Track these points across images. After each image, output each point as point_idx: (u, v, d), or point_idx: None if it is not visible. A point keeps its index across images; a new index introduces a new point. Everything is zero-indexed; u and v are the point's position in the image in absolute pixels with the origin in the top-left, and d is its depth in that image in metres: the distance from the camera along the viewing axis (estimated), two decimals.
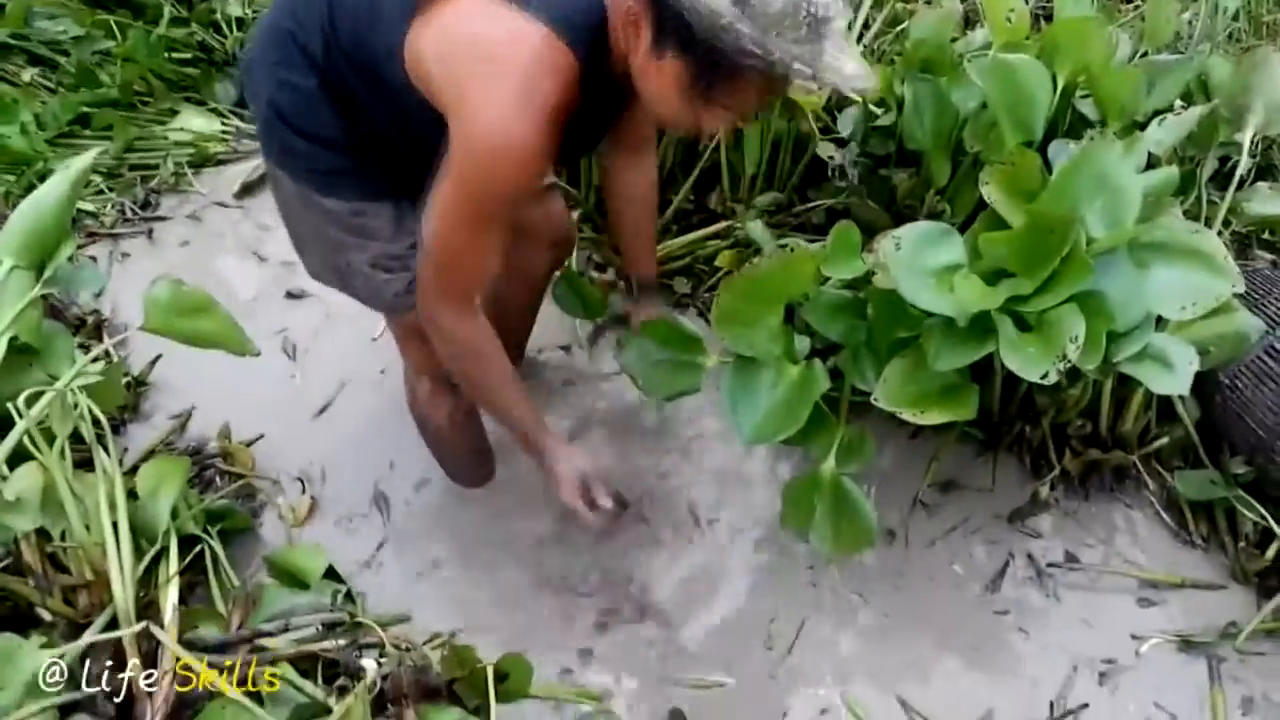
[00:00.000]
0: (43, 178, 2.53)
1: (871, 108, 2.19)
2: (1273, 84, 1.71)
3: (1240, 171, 1.84)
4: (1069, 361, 1.37)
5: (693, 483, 1.92)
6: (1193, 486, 1.79)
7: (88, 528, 1.32)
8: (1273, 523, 1.69)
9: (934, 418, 1.53)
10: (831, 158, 2.17)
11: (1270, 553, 1.69)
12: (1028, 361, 1.40)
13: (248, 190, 2.58)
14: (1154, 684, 1.62)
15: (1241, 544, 1.74)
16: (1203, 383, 1.83)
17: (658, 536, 1.82)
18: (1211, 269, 1.50)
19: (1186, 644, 1.66)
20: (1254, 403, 1.72)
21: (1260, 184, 2.16)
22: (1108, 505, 1.87)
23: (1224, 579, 1.75)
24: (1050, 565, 1.77)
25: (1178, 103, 1.89)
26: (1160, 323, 1.58)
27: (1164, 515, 1.84)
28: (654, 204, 1.76)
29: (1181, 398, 1.83)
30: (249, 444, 1.92)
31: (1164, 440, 1.86)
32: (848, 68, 1.09)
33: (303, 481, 1.89)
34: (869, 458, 1.62)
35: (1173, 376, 1.45)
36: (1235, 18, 2.53)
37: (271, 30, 1.29)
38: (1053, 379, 1.37)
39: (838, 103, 2.27)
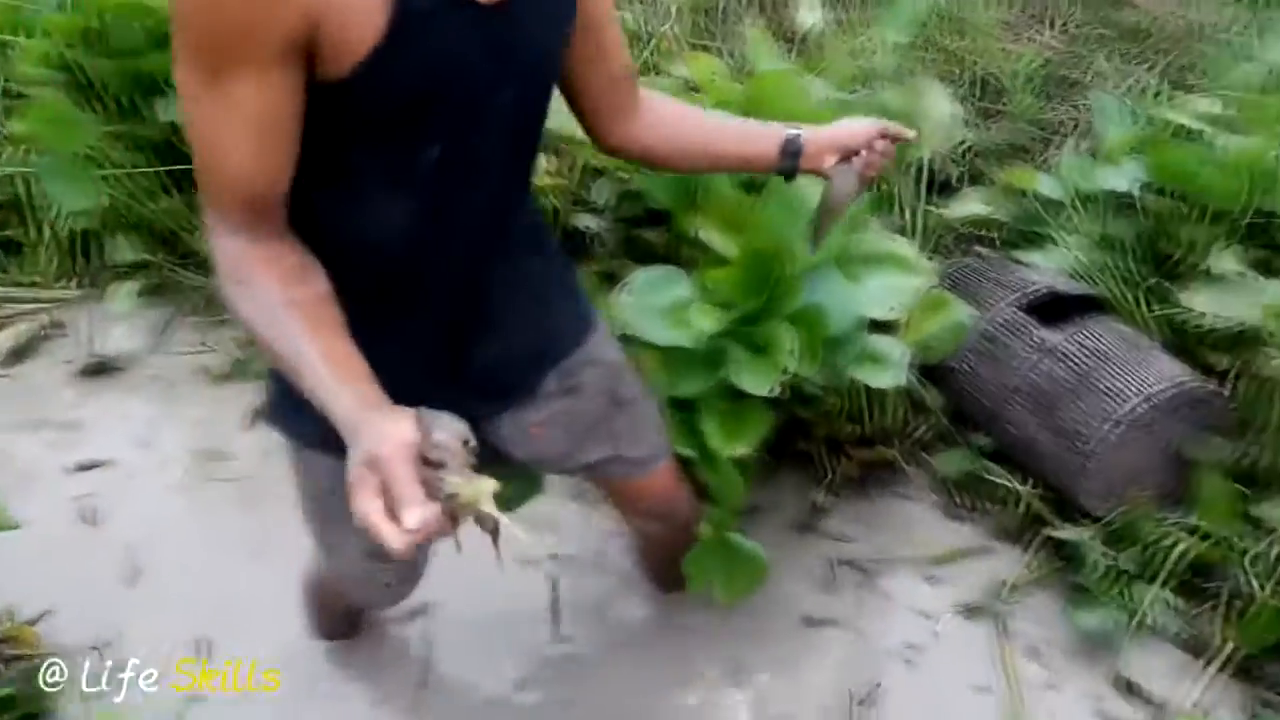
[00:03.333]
0: None
1: (621, 175, 2.34)
2: (936, 107, 1.96)
3: (941, 181, 2.08)
4: (789, 373, 1.52)
5: None
6: (950, 465, 1.97)
7: None
8: (1015, 484, 1.88)
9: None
10: (588, 228, 2.31)
11: (1020, 510, 1.88)
12: (756, 378, 1.54)
13: (18, 355, 2.51)
14: (952, 657, 1.75)
15: (998, 508, 1.92)
16: (943, 372, 2.03)
17: None
18: (908, 270, 1.70)
19: (972, 612, 1.81)
20: (980, 380, 1.92)
21: (969, 189, 2.44)
22: (887, 499, 2.02)
23: (991, 543, 1.91)
24: (843, 563, 1.90)
25: None
26: (889, 328, 1.77)
27: (934, 496, 2.00)
28: (698, 110, 1.28)
29: (925, 386, 2.01)
30: (33, 622, 1.83)
31: (923, 430, 2.05)
32: None
33: (98, 650, 1.82)
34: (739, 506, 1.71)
35: (888, 371, 1.62)
36: (911, 47, 2.85)
37: None
38: (776, 391, 1.51)
39: (590, 175, 2.42)
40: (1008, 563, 1.87)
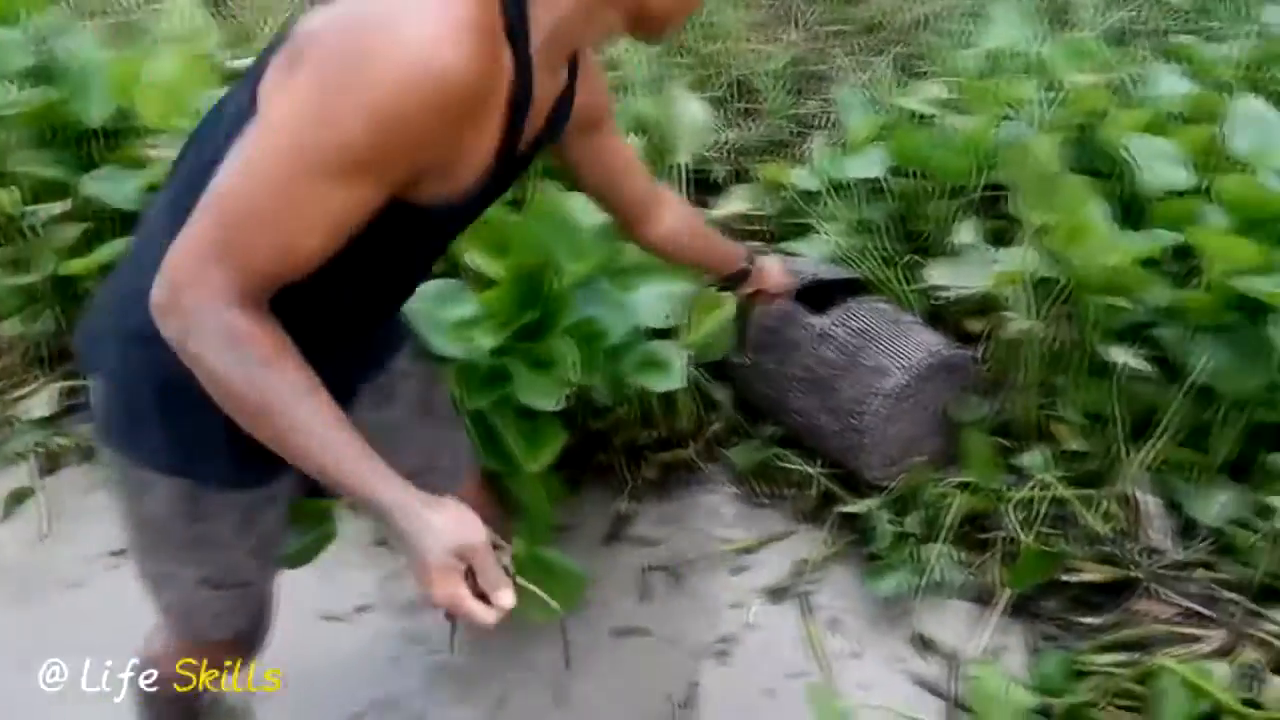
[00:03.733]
0: None
1: None
2: (686, 113, 2.01)
3: (708, 181, 2.13)
4: (572, 385, 1.51)
5: None
6: (744, 457, 2.03)
7: None
8: (807, 467, 1.96)
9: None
10: None
11: (813, 491, 1.95)
12: (540, 393, 1.52)
13: None
14: (763, 643, 1.79)
15: (794, 492, 1.99)
16: (729, 368, 2.09)
17: None
18: (674, 275, 1.73)
19: (777, 595, 1.86)
20: (763, 372, 1.98)
21: (735, 187, 2.53)
22: (689, 498, 2.06)
23: (792, 526, 1.98)
24: (653, 568, 1.91)
25: (631, 138, 2.15)
26: (670, 332, 1.80)
27: (734, 489, 2.05)
28: (695, 216, 1.54)
29: (712, 384, 2.06)
30: None
31: (716, 426, 2.09)
32: None
33: None
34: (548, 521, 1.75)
35: (669, 375, 1.64)
36: (666, 54, 2.93)
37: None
38: (563, 404, 1.50)
39: None
40: (808, 543, 1.93)
